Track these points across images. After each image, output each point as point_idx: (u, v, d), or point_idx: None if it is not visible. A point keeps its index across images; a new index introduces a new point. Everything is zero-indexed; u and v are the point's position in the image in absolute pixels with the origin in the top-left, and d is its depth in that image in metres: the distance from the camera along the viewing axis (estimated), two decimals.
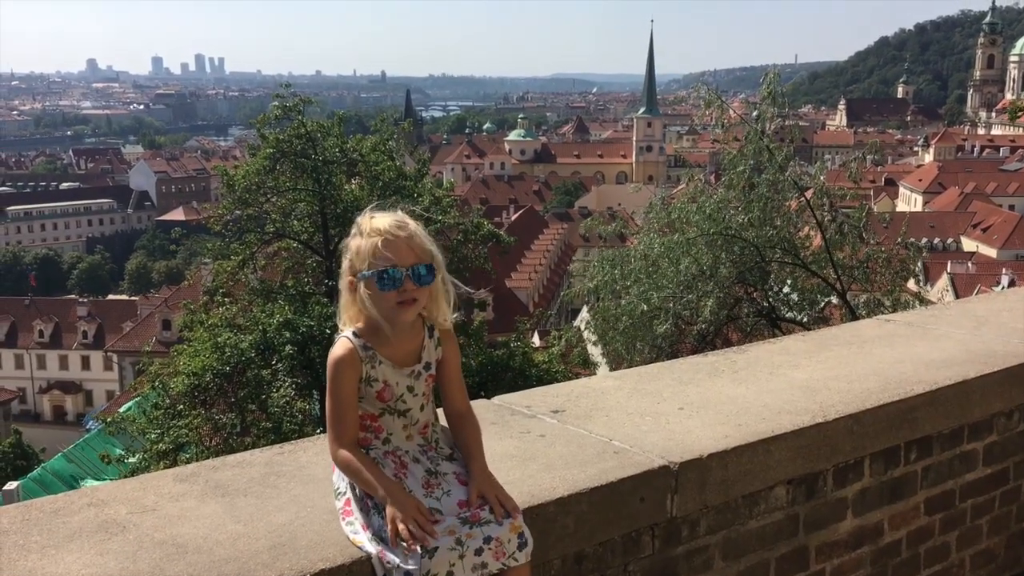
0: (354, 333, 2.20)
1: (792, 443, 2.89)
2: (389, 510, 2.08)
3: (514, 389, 3.71)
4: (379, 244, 2.14)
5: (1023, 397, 3.56)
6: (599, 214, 28.36)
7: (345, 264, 2.20)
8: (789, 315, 14.32)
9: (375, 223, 2.18)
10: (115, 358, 55.30)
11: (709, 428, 2.91)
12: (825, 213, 14.32)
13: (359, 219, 2.21)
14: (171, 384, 13.70)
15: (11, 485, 19.03)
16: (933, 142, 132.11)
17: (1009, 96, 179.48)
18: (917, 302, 14.36)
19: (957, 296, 43.60)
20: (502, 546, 2.09)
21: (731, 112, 16.31)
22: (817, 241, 14.38)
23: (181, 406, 13.46)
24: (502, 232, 21.05)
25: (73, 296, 73.57)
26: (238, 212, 17.51)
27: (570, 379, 10.41)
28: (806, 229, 14.65)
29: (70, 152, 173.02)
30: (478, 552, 2.06)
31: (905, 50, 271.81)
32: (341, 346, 2.19)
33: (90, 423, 29.93)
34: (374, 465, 2.19)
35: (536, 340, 24.14)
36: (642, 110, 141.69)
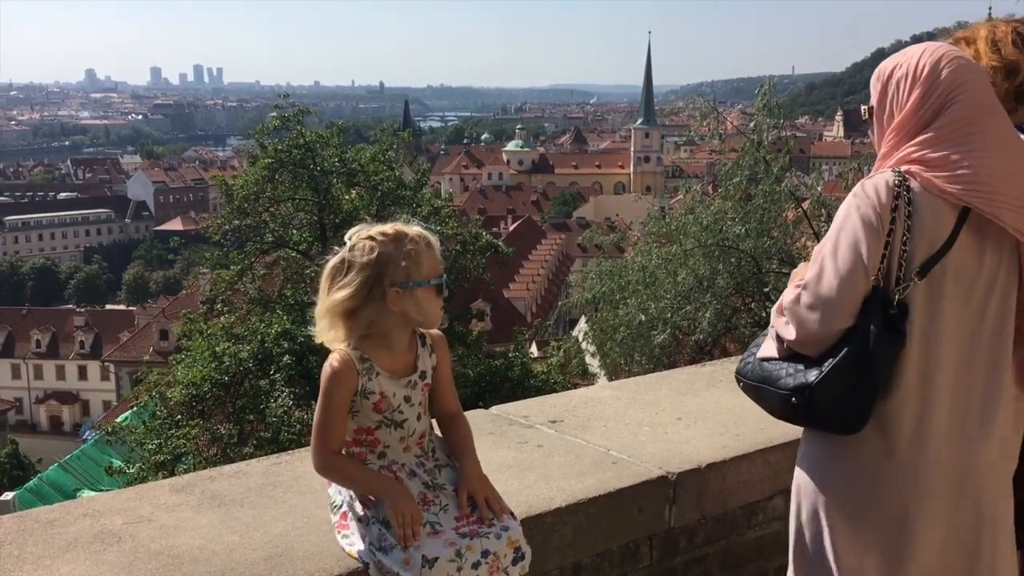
0: (350, 346, 2.20)
1: (790, 453, 2.87)
2: (389, 504, 2.10)
3: (512, 399, 3.70)
4: (437, 254, 2.20)
5: None
6: (597, 225, 28.38)
7: (393, 274, 2.13)
8: None
9: (418, 232, 2.19)
10: (112, 368, 55.13)
11: (707, 438, 2.91)
12: (822, 224, 14.34)
13: (397, 229, 2.18)
14: (169, 394, 13.68)
15: (7, 496, 18.92)
16: None
17: None
18: None
19: None
20: (498, 560, 2.10)
21: (728, 123, 16.36)
22: None
23: (179, 416, 13.44)
24: (500, 242, 21.07)
25: (70, 306, 73.34)
26: (236, 222, 17.51)
27: (569, 389, 10.38)
28: (803, 240, 14.67)
29: (68, 162, 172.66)
30: (475, 565, 2.07)
31: None
32: (338, 358, 2.18)
33: (87, 433, 29.83)
34: (362, 466, 2.21)
35: (534, 350, 24.11)
36: (640, 121, 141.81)
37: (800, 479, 2.33)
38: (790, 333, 2.18)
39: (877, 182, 2.12)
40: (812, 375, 2.14)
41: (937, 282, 2.10)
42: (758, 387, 2.28)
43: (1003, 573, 2.24)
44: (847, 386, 2.10)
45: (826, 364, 2.12)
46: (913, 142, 2.15)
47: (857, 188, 2.16)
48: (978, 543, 2.21)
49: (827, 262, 2.12)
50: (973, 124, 2.12)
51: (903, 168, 2.14)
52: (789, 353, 2.22)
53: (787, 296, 2.21)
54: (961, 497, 2.17)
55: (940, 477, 2.15)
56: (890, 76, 2.23)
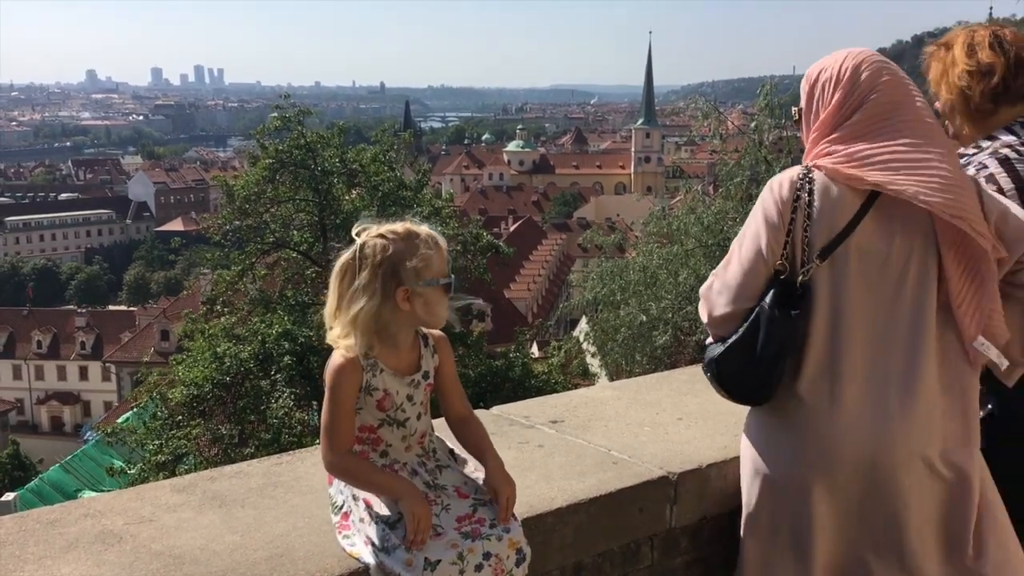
0: (355, 343, 2.19)
1: None
2: (405, 506, 2.08)
3: (513, 400, 3.70)
4: (445, 254, 2.19)
5: None
6: (598, 225, 28.43)
7: (404, 273, 2.12)
8: None
9: (427, 232, 2.18)
10: (113, 369, 55.15)
11: (708, 438, 2.91)
12: None
13: (407, 228, 2.16)
14: (170, 394, 13.71)
15: (8, 496, 18.93)
16: None
17: None
18: None
19: None
20: (501, 562, 2.10)
21: (729, 123, 16.37)
22: None
23: (180, 416, 13.46)
24: (501, 243, 21.08)
25: (71, 307, 73.39)
26: (237, 222, 17.53)
27: (569, 390, 10.38)
28: None
29: (69, 163, 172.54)
30: (478, 568, 2.06)
31: (902, 61, 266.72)
32: (343, 354, 2.17)
33: (88, 434, 29.85)
34: (375, 466, 2.20)
35: (535, 351, 24.12)
36: (640, 121, 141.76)
37: (743, 447, 2.50)
38: (704, 316, 2.43)
39: (781, 179, 2.31)
40: (718, 350, 2.38)
41: (841, 263, 2.24)
42: (704, 368, 2.49)
43: (930, 548, 2.25)
44: (745, 359, 2.30)
45: (730, 340, 2.35)
46: (828, 138, 2.29)
47: (766, 185, 2.33)
48: (900, 525, 2.23)
49: (734, 253, 2.36)
50: (886, 118, 2.24)
51: (812, 163, 2.29)
52: (718, 337, 2.43)
53: (704, 284, 2.44)
54: (874, 471, 2.23)
55: (850, 451, 2.23)
56: (816, 79, 2.37)
